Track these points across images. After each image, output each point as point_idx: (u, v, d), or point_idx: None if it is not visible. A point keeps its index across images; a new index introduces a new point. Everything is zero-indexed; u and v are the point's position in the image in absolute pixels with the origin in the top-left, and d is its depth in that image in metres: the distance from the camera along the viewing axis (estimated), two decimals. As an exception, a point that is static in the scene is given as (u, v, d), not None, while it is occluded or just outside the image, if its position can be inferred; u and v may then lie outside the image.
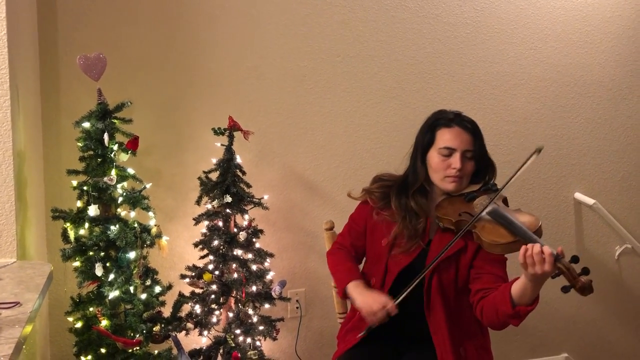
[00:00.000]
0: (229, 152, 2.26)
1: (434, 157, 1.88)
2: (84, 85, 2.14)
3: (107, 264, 2.00)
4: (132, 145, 2.04)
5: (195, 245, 2.30)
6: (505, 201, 1.88)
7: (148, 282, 2.07)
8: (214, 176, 2.29)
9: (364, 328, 1.90)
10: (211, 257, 2.28)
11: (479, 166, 1.90)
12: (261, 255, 2.28)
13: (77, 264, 2.01)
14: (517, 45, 2.84)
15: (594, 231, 3.09)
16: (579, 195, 3.03)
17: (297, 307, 2.69)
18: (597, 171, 3.05)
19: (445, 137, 1.87)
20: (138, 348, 2.02)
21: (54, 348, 2.40)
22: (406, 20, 2.69)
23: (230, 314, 2.29)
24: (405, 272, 1.86)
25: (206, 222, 2.29)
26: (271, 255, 2.31)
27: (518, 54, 2.85)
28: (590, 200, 2.98)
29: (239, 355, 2.20)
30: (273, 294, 2.28)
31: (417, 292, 1.84)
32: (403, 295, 1.78)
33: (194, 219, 2.29)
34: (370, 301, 1.80)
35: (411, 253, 1.87)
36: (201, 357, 2.30)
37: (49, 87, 2.31)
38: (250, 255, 2.27)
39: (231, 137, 2.26)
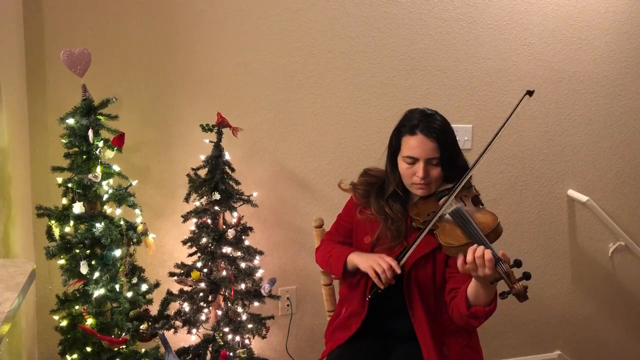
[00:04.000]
0: (218, 148, 2.24)
1: (400, 163, 1.84)
2: (71, 81, 2.11)
3: (93, 262, 1.98)
4: (117, 141, 2.01)
5: (184, 242, 2.28)
6: (475, 198, 1.82)
7: (134, 280, 2.05)
8: (202, 173, 2.27)
9: (352, 326, 1.89)
10: (199, 255, 2.26)
11: (449, 169, 1.82)
12: (250, 252, 2.27)
13: (62, 261, 1.99)
14: (511, 41, 2.82)
15: (587, 228, 3.08)
16: (572, 192, 3.01)
17: (287, 305, 2.67)
18: (590, 168, 3.04)
19: (408, 145, 1.80)
20: (124, 347, 2.00)
21: (41, 346, 2.38)
22: (398, 16, 2.66)
23: (219, 312, 2.28)
24: None
25: (194, 220, 2.27)
26: (260, 253, 2.29)
27: (511, 50, 2.83)
28: (583, 197, 2.97)
29: (228, 353, 2.18)
30: (262, 291, 2.26)
31: (397, 290, 1.83)
32: (407, 256, 1.75)
33: (182, 216, 2.27)
34: (374, 262, 1.76)
35: (394, 251, 1.85)
36: (190, 356, 2.29)
37: (35, 83, 2.28)
38: (239, 253, 2.25)
39: (220, 134, 2.24)
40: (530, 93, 1.72)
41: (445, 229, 1.71)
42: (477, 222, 1.67)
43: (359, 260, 1.84)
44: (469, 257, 1.54)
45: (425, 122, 1.79)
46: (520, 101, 1.72)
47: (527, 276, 1.53)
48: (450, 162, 1.81)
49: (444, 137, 1.79)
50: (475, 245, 1.56)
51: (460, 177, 1.80)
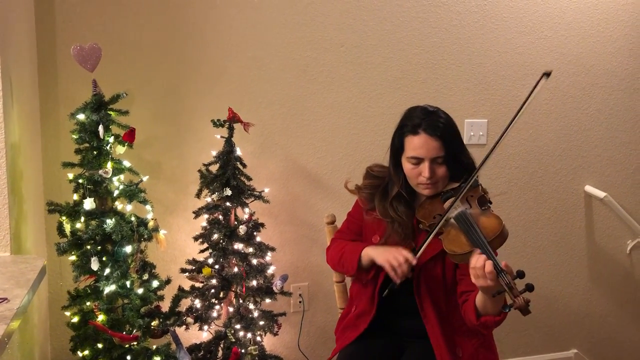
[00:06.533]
0: (229, 144, 2.22)
1: (405, 164, 1.79)
2: (82, 76, 2.10)
3: (104, 258, 1.97)
4: (128, 137, 2.00)
5: (195, 239, 2.26)
6: (482, 199, 1.72)
7: (145, 277, 2.04)
8: (214, 169, 2.25)
9: (360, 325, 1.87)
10: (211, 251, 2.25)
11: (455, 167, 1.77)
12: (262, 249, 2.25)
13: (73, 258, 1.98)
14: (527, 34, 2.77)
15: (605, 225, 3.02)
16: (589, 188, 2.96)
17: (300, 302, 2.65)
18: (608, 163, 2.98)
19: (412, 146, 1.74)
20: (135, 343, 1.99)
21: (54, 342, 2.39)
22: (412, 9, 2.62)
23: (231, 309, 2.26)
24: None
25: (206, 216, 2.25)
26: (272, 249, 2.27)
27: (527, 43, 2.78)
28: (601, 194, 2.91)
29: (240, 350, 2.17)
30: (274, 288, 2.24)
31: (408, 291, 1.80)
32: (423, 248, 1.69)
33: (193, 213, 2.26)
34: (390, 256, 1.70)
35: None
36: (201, 352, 2.27)
37: (46, 79, 2.27)
38: (250, 249, 2.24)
39: (231, 129, 2.22)
40: (547, 75, 1.61)
41: (450, 234, 1.65)
42: (481, 227, 1.60)
43: (375, 253, 1.78)
44: (471, 266, 1.50)
45: (427, 120, 1.74)
46: (537, 84, 1.62)
47: (530, 288, 1.46)
48: (456, 159, 1.76)
49: (448, 135, 1.74)
50: (477, 255, 1.51)
51: (467, 174, 1.73)
